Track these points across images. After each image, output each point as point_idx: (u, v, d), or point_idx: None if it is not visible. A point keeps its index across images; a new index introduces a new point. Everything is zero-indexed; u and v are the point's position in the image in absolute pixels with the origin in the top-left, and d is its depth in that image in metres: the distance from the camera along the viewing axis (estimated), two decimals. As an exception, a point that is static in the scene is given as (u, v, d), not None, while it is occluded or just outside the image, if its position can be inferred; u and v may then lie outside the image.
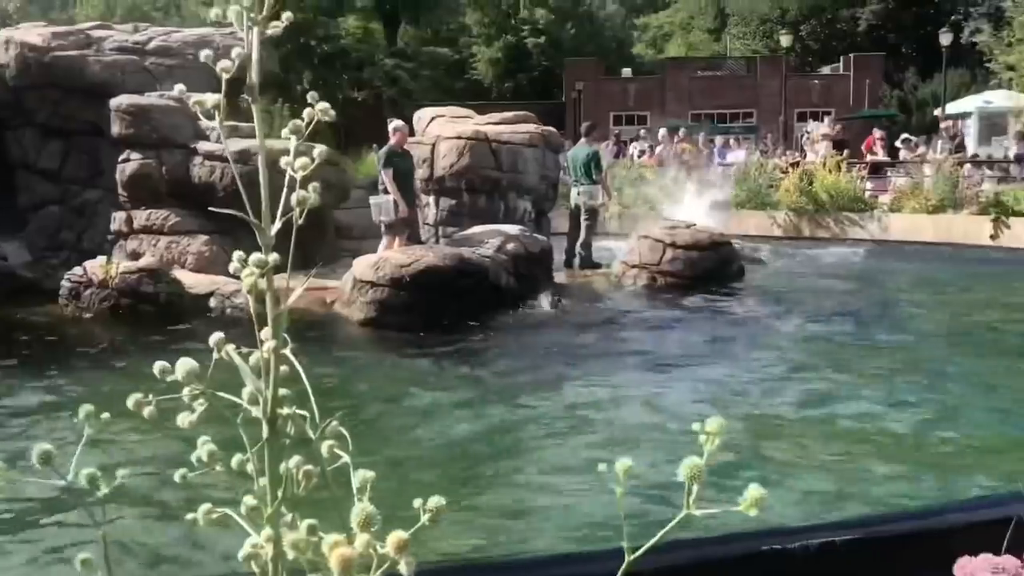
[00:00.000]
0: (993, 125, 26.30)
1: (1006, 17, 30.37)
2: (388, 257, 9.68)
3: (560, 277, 11.85)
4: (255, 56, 0.96)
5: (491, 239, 10.58)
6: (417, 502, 0.75)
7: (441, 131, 13.03)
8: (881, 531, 2.39)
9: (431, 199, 12.89)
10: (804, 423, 6.08)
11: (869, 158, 21.23)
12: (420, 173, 12.45)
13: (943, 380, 7.20)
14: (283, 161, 0.91)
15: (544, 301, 10.18)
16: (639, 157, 21.65)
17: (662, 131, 23.98)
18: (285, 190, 0.92)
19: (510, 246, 10.52)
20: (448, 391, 7.02)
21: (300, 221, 0.88)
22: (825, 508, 4.54)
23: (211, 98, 0.98)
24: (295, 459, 0.84)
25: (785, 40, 30.93)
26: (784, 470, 5.12)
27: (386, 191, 10.91)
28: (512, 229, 11.08)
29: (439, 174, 12.56)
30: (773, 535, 2.28)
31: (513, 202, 12.78)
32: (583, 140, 13.34)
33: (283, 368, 0.87)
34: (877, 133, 22.68)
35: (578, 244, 12.83)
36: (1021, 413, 6.24)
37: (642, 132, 30.41)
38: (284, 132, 0.98)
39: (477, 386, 7.20)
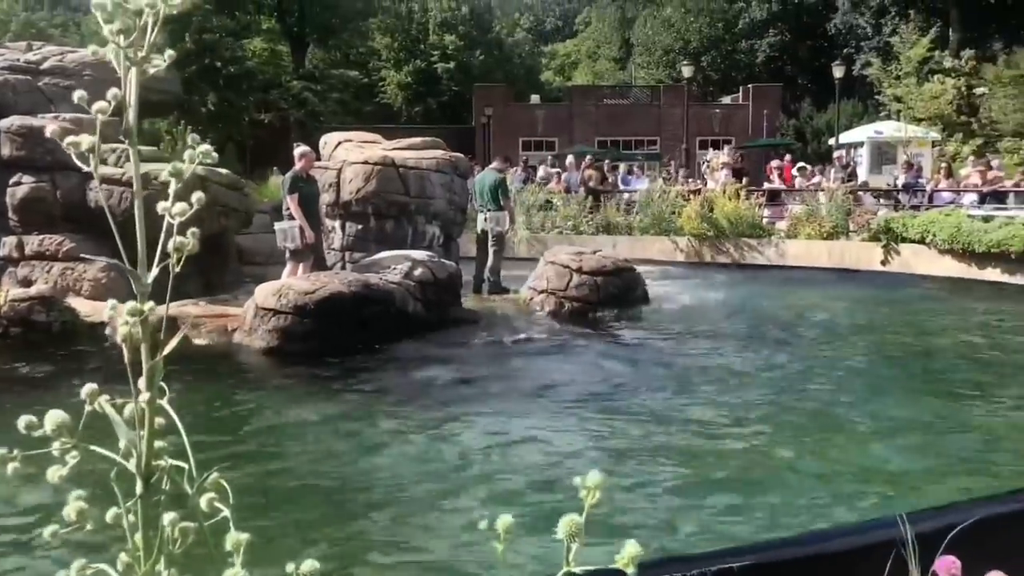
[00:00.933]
0: (883, 154, 27.44)
1: (894, 52, 31.92)
2: (291, 284, 9.48)
3: (469, 302, 11.83)
4: (133, 98, 0.94)
5: (398, 265, 10.49)
6: (290, 567, 0.73)
7: (348, 156, 12.89)
8: (775, 556, 2.45)
9: (337, 224, 12.73)
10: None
11: (767, 185, 21.91)
12: (326, 198, 12.31)
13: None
14: (160, 207, 0.89)
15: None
16: (546, 184, 21.89)
17: (569, 157, 24.33)
18: (163, 235, 0.90)
19: (418, 272, 10.44)
20: (339, 424, 6.82)
21: (177, 269, 0.86)
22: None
23: (86, 140, 0.96)
24: (170, 516, 0.81)
25: (687, 70, 31.77)
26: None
27: (291, 217, 10.76)
28: (420, 254, 11.02)
29: (345, 199, 12.42)
30: (671, 563, 2.31)
31: (421, 227, 12.70)
32: (491, 166, 13.45)
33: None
34: (775, 163, 23.44)
35: (486, 269, 12.85)
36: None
37: (548, 158, 30.81)
38: (163, 174, 0.96)
39: (371, 420, 6.93)
